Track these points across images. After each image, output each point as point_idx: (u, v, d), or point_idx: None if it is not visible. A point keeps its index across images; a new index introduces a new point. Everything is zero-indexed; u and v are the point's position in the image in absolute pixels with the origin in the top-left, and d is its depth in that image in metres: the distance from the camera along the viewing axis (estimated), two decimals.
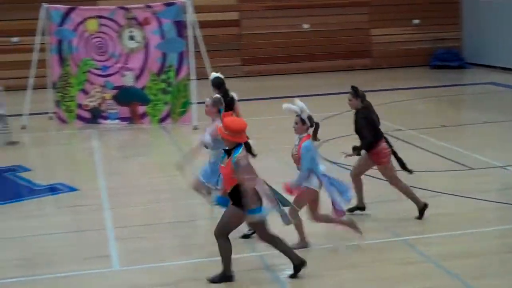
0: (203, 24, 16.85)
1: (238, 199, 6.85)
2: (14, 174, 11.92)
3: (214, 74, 10.57)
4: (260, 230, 7.12)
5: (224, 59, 23.73)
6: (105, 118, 16.34)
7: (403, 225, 8.65)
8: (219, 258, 7.02)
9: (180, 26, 15.90)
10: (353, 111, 9.02)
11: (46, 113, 16.85)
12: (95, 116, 16.29)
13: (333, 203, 7.79)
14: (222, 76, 10.39)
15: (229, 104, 9.87)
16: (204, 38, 15.98)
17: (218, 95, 8.92)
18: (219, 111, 8.55)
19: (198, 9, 16.66)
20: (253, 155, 7.15)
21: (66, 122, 16.46)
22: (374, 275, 7.25)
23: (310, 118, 7.96)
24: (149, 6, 16.05)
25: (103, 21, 16.15)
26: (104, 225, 9.04)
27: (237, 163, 6.77)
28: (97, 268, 7.59)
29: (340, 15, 25.31)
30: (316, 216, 7.92)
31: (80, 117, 16.33)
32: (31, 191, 10.96)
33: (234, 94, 10.35)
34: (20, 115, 15.73)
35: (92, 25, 16.18)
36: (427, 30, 25.61)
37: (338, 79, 23.31)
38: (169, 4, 15.94)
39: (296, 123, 7.90)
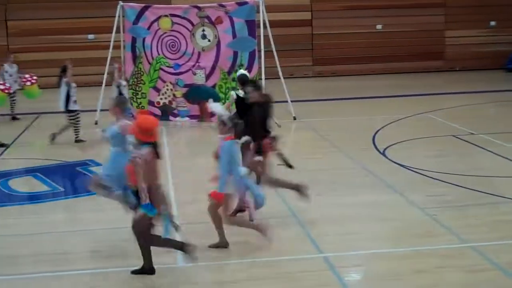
0: (274, 24, 16.89)
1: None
2: (86, 168, 12.20)
3: (241, 71, 11.35)
4: (142, 228, 7.13)
5: (295, 59, 23.77)
6: (175, 115, 16.57)
7: (472, 231, 8.44)
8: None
9: (252, 26, 15.97)
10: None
11: (103, 110, 17.15)
12: (166, 113, 16.52)
13: (248, 206, 8.07)
14: (248, 74, 11.35)
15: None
16: (275, 37, 16.02)
17: (123, 96, 9.32)
18: (123, 111, 8.75)
19: (270, 9, 16.70)
20: (158, 157, 7.19)
21: None
22: (440, 281, 7.11)
23: (231, 119, 8.05)
24: (221, 5, 16.18)
25: (176, 19, 16.38)
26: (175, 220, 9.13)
27: (132, 160, 6.91)
28: (162, 263, 7.67)
29: (414, 16, 24.96)
30: (229, 219, 8.06)
31: (150, 114, 16.56)
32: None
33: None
34: (94, 110, 16.08)
35: (165, 23, 16.42)
36: (504, 33, 24.99)
37: (410, 81, 23.01)
38: (241, 4, 16.03)
39: (219, 125, 8.03)
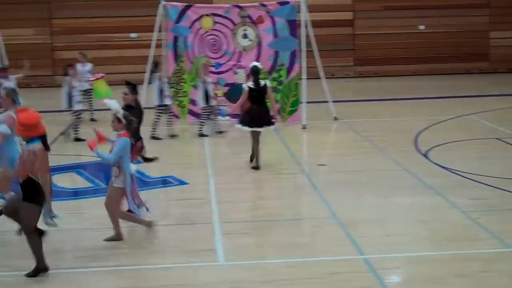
0: (316, 24, 16.82)
1: (30, 192, 7.08)
2: None
3: (254, 63, 12.22)
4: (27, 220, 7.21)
5: (336, 59, 23.66)
6: (216, 114, 16.59)
7: None
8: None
9: (293, 25, 15.94)
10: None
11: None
12: (207, 114, 16.53)
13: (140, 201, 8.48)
14: (260, 66, 12.08)
15: (263, 90, 11.58)
16: (316, 37, 15.95)
17: (12, 87, 9.41)
18: (14, 102, 8.87)
19: (311, 8, 16.63)
20: (47, 149, 7.27)
21: (178, 117, 16.85)
22: (482, 286, 7.00)
23: (125, 116, 8.26)
24: (263, 5, 16.17)
25: (218, 19, 16.42)
26: (212, 219, 9.18)
27: (21, 154, 7.10)
28: (203, 261, 7.71)
29: (457, 16, 24.64)
30: (119, 213, 8.40)
31: (192, 113, 16.66)
32: (144, 182, 11.28)
33: (266, 82, 11.93)
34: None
35: (207, 22, 16.48)
36: None
37: (454, 82, 22.73)
38: (283, 3, 16.00)
39: (113, 121, 8.23)
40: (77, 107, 14.44)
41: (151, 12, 17.80)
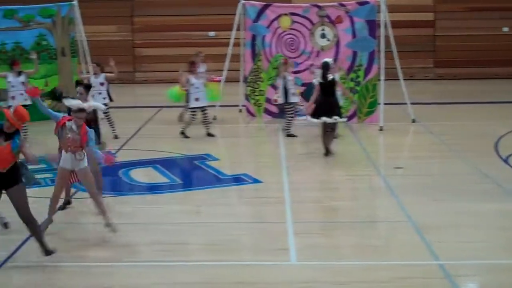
0: (396, 24, 16.60)
1: (16, 176, 7.41)
2: (203, 162, 12.45)
3: (325, 59, 12.96)
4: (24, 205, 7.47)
5: (415, 60, 23.31)
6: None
7: None
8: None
9: (372, 25, 15.78)
10: None
11: (236, 105, 17.43)
12: (283, 111, 16.56)
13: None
14: (330, 62, 12.75)
15: (331, 83, 12.40)
16: (396, 38, 15.73)
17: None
18: None
19: (391, 9, 16.42)
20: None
21: (254, 115, 16.93)
22: None
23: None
24: (342, 5, 16.07)
25: (296, 18, 16.41)
26: (285, 218, 9.17)
27: (23, 144, 7.45)
28: (275, 260, 7.71)
29: None
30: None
31: (268, 112, 16.71)
32: (218, 180, 11.39)
33: (335, 75, 12.77)
34: (213, 106, 16.37)
35: (285, 21, 16.49)
36: None
37: None
38: (362, 3, 15.85)
39: (82, 118, 8.37)
40: (197, 104, 14.53)
41: (230, 10, 17.95)
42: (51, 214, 8.57)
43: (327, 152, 12.58)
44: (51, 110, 8.60)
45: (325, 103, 12.41)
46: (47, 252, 7.63)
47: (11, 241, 7.73)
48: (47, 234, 8.11)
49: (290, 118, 14.64)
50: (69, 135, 8.24)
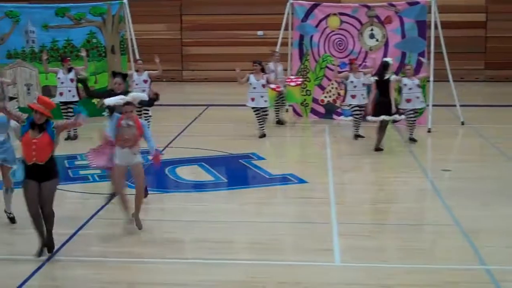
0: (446, 25, 16.37)
1: (53, 170, 7.59)
2: (249, 161, 12.46)
3: (386, 59, 13.46)
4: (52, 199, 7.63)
5: (466, 62, 22.96)
6: (339, 114, 16.53)
7: None
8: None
9: (422, 26, 15.59)
10: None
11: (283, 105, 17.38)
12: (329, 111, 16.52)
13: None
14: (390, 62, 13.25)
15: (386, 83, 12.81)
16: (446, 39, 15.52)
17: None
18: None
19: (442, 9, 16.21)
20: None
21: (301, 115, 16.89)
22: None
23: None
24: (392, 5, 15.92)
25: (345, 18, 16.31)
26: (330, 219, 9.12)
27: (58, 125, 7.65)
28: (319, 261, 7.67)
29: None
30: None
31: (314, 112, 16.66)
32: (263, 179, 11.39)
33: (392, 76, 13.03)
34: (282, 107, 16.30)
35: (334, 21, 16.41)
36: None
37: None
38: (412, 3, 15.68)
39: (131, 111, 8.41)
40: (251, 104, 14.49)
41: (279, 10, 17.95)
42: (128, 211, 8.62)
43: (378, 149, 13.02)
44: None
45: (383, 102, 12.78)
46: (42, 251, 7.70)
47: (57, 236, 7.84)
48: (97, 230, 8.21)
49: (357, 119, 14.38)
50: (126, 135, 8.29)
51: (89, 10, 17.22)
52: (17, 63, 16.91)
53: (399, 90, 13.89)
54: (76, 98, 14.67)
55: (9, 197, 8.83)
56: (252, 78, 14.33)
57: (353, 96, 14.21)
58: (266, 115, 14.63)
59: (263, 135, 14.52)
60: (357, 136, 14.29)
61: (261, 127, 14.55)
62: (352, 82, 14.17)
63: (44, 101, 7.66)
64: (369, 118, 13.10)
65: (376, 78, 12.99)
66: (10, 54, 16.90)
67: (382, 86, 12.87)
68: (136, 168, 8.49)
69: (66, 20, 17.08)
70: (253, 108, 14.51)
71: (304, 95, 16.76)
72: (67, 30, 17.06)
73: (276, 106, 15.71)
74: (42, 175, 7.57)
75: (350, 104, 14.35)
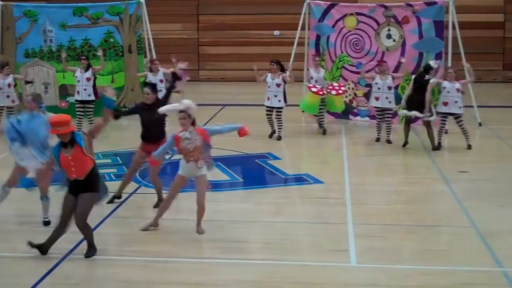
0: (464, 25, 16.30)
1: (92, 184, 7.52)
2: (265, 161, 12.47)
3: (431, 61, 13.72)
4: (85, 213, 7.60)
5: (483, 63, 22.81)
6: (355, 114, 16.50)
7: None
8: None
9: (440, 26, 15.50)
10: None
11: (297, 105, 17.36)
12: (346, 111, 16.47)
13: None
14: (433, 65, 13.49)
15: (424, 84, 13.05)
16: (464, 39, 15.44)
17: (36, 93, 9.88)
18: (40, 105, 8.76)
19: (460, 9, 16.13)
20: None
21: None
22: None
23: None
24: (409, 5, 15.85)
25: (362, 18, 16.28)
26: (346, 220, 9.11)
27: (85, 138, 7.49)
28: (335, 262, 7.66)
29: None
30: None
31: (330, 112, 16.62)
32: (279, 179, 11.39)
33: (432, 78, 13.17)
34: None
35: (350, 21, 16.38)
36: None
37: None
38: (430, 4, 15.60)
39: (184, 118, 8.22)
40: (267, 103, 14.41)
41: (295, 10, 17.94)
42: (157, 220, 8.63)
43: (405, 144, 13.51)
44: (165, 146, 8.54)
45: (417, 100, 13.02)
46: (91, 253, 7.75)
47: (74, 235, 7.88)
48: (112, 229, 8.25)
49: (389, 122, 14.24)
50: (190, 147, 8.21)
51: (106, 10, 17.31)
52: (35, 62, 17.05)
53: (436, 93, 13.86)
54: (92, 98, 14.74)
55: (46, 205, 8.87)
56: (269, 77, 14.32)
57: (376, 98, 14.12)
58: (279, 116, 14.43)
59: (279, 138, 14.38)
60: (388, 142, 14.06)
61: (278, 128, 14.42)
62: (376, 83, 14.07)
63: (56, 122, 7.47)
64: (401, 112, 13.47)
65: (415, 77, 13.37)
66: (28, 53, 17.04)
67: (420, 86, 13.05)
68: (199, 181, 8.42)
69: (84, 20, 17.18)
70: (267, 107, 14.47)
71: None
72: (84, 30, 17.17)
73: (320, 113, 15.14)
74: (80, 190, 7.57)
75: (375, 106, 14.26)
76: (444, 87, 13.39)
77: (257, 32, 24.77)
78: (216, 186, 10.87)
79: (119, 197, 9.77)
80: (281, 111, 14.43)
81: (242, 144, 13.77)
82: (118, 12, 17.34)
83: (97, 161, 7.88)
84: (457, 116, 13.46)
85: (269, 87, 14.28)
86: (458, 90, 13.34)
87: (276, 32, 24.69)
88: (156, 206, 9.51)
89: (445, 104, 13.39)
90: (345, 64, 16.44)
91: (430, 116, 13.08)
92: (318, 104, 14.83)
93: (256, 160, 12.59)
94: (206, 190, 8.51)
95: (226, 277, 7.27)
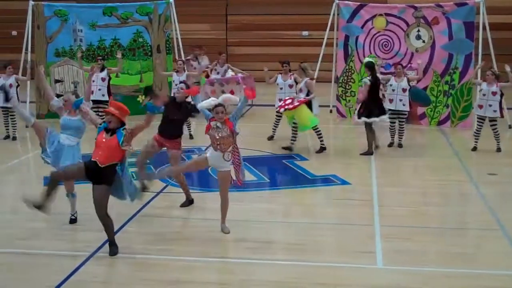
0: (495, 26, 16.12)
1: (107, 176, 7.55)
2: (292, 162, 12.46)
3: (367, 58, 13.56)
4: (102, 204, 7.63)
5: None
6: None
7: None
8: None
9: (470, 27, 15.36)
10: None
11: (327, 106, 17.35)
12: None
13: None
14: (373, 61, 13.37)
15: (378, 84, 12.96)
16: (494, 40, 15.27)
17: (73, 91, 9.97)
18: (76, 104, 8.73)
19: (490, 10, 15.95)
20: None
21: (344, 116, 16.82)
22: None
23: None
24: (439, 6, 15.74)
25: (391, 19, 16.19)
26: (372, 221, 9.07)
27: (128, 131, 7.60)
28: (360, 263, 7.63)
29: None
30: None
31: (339, 112, 16.57)
32: (306, 180, 11.37)
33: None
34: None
35: (380, 22, 16.30)
36: None
37: None
38: (460, 4, 15.48)
39: (222, 112, 8.23)
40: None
41: (324, 10, 17.90)
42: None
43: (376, 146, 13.38)
44: (204, 110, 8.50)
45: (373, 103, 12.92)
46: (114, 251, 7.81)
47: (100, 233, 7.94)
48: (140, 228, 8.30)
49: (403, 126, 13.94)
50: (217, 135, 8.25)
51: (136, 10, 17.44)
52: (65, 61, 17.22)
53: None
54: (106, 98, 14.81)
55: (73, 201, 8.96)
56: (280, 78, 14.18)
57: (390, 100, 13.95)
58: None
59: (288, 148, 13.48)
60: (400, 145, 13.85)
61: (294, 137, 14.05)
62: (391, 85, 13.85)
63: (118, 106, 7.64)
64: (361, 119, 13.07)
65: (371, 80, 12.87)
66: (58, 52, 17.22)
67: (374, 87, 12.84)
68: (222, 176, 8.45)
69: (113, 19, 17.33)
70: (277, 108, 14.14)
71: (349, 96, 16.68)
72: (114, 29, 17.31)
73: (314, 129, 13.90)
74: (95, 177, 7.62)
75: (388, 109, 14.05)
76: (481, 90, 13.24)
77: (285, 33, 24.75)
78: (242, 186, 10.88)
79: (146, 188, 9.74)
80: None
81: (270, 144, 13.80)
82: (147, 12, 17.45)
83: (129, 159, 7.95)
84: (491, 119, 13.30)
85: (281, 88, 14.00)
86: (494, 93, 13.15)
87: (305, 33, 24.64)
88: (182, 205, 9.56)
89: (480, 107, 13.26)
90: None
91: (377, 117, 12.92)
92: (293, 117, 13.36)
93: (283, 161, 12.58)
94: (229, 185, 8.51)
95: (251, 277, 7.28)
